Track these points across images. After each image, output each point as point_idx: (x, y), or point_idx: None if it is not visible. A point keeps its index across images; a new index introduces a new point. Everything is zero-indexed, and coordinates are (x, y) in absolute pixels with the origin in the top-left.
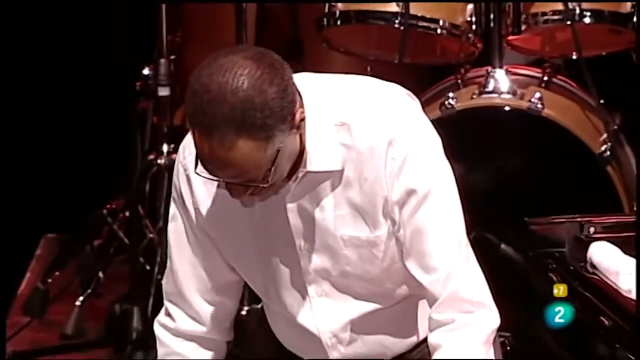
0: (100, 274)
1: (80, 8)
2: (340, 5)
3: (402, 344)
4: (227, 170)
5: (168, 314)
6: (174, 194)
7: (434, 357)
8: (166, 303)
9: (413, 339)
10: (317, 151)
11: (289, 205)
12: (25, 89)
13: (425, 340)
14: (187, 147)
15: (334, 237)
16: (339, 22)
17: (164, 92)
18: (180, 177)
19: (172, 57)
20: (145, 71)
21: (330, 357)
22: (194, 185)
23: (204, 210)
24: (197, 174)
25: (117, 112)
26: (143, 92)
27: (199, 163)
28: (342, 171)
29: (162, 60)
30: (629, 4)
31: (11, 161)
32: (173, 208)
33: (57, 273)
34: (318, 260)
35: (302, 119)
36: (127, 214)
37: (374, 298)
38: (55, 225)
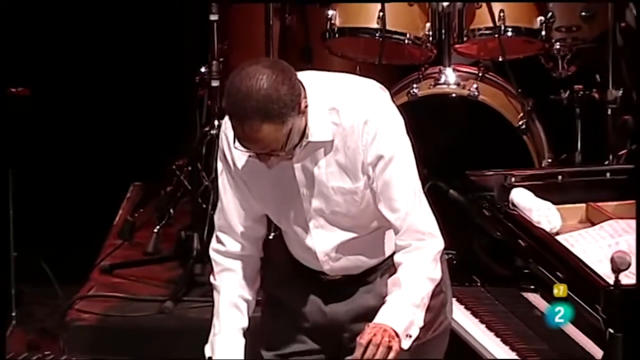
0: (171, 211)
1: (164, 28)
2: (337, 22)
3: (373, 261)
4: (256, 145)
5: (219, 241)
6: (220, 154)
7: (398, 271)
8: (218, 233)
9: (381, 257)
10: (315, 127)
11: (296, 165)
12: (126, 82)
13: (389, 257)
14: (227, 123)
15: (327, 187)
16: (336, 35)
17: (215, 83)
18: (223, 143)
19: (221, 59)
20: (203, 69)
21: (323, 268)
22: (232, 149)
23: (240, 166)
24: (236, 148)
25: (184, 97)
26: (201, 84)
27: (236, 140)
28: (332, 141)
29: (214, 62)
30: (538, 21)
31: (112, 131)
32: (220, 165)
33: (141, 210)
34: (315, 203)
35: (306, 106)
36: (190, 168)
37: (355, 229)
38: (140, 175)
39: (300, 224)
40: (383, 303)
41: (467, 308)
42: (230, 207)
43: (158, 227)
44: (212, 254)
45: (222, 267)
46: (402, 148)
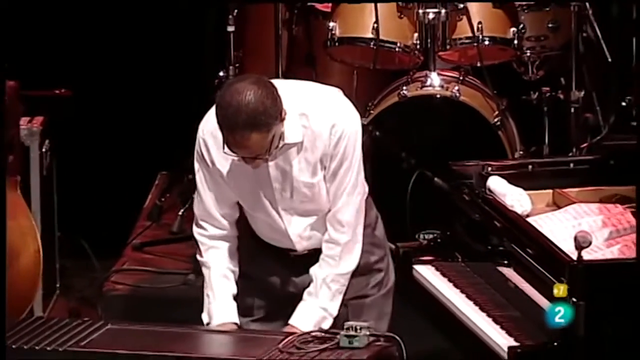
0: (193, 196)
1: (189, 38)
2: (337, 33)
3: None
4: (244, 150)
5: (201, 227)
6: (197, 156)
7: (313, 278)
8: (199, 221)
9: None
10: (288, 130)
11: (270, 163)
12: (155, 85)
13: None
14: (205, 127)
15: (297, 181)
16: (337, 44)
17: None
18: (201, 145)
19: (237, 65)
20: (221, 73)
21: (296, 247)
22: (211, 151)
23: (219, 166)
24: (225, 153)
25: (205, 98)
26: (219, 86)
27: (226, 147)
28: (302, 142)
29: (231, 67)
30: (511, 32)
31: (142, 128)
32: (197, 165)
33: (167, 195)
34: (286, 195)
35: (285, 114)
36: None
37: (317, 212)
38: (166, 166)
39: (274, 213)
40: None
41: (449, 280)
42: (208, 199)
43: (182, 210)
44: (196, 236)
45: (207, 246)
46: (356, 154)
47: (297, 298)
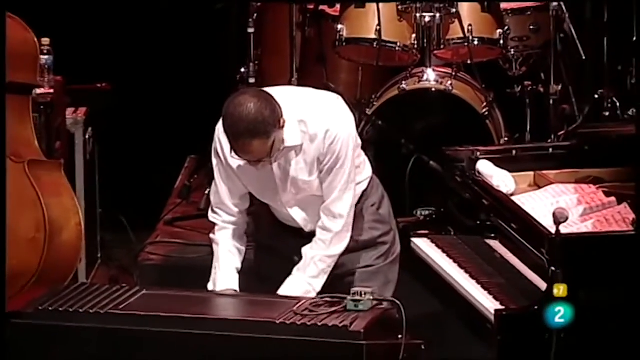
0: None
1: (214, 38)
2: (345, 34)
3: None
4: (248, 155)
5: (216, 213)
6: (214, 153)
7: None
8: (214, 207)
9: None
10: (288, 135)
11: (274, 164)
12: (185, 79)
13: None
14: (220, 128)
15: (296, 180)
16: (344, 44)
17: (252, 80)
18: (217, 143)
19: (256, 62)
20: (242, 69)
21: (305, 229)
22: (225, 149)
23: (231, 164)
24: (232, 157)
25: (228, 91)
26: (241, 81)
27: (233, 152)
28: (301, 145)
29: (251, 64)
30: (498, 33)
31: (174, 116)
32: (215, 160)
33: (195, 176)
34: (288, 190)
35: (285, 122)
36: None
37: (316, 199)
38: (195, 150)
39: (279, 204)
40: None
41: (443, 252)
42: (223, 190)
43: (208, 189)
44: (211, 219)
45: (220, 227)
46: (348, 155)
47: None
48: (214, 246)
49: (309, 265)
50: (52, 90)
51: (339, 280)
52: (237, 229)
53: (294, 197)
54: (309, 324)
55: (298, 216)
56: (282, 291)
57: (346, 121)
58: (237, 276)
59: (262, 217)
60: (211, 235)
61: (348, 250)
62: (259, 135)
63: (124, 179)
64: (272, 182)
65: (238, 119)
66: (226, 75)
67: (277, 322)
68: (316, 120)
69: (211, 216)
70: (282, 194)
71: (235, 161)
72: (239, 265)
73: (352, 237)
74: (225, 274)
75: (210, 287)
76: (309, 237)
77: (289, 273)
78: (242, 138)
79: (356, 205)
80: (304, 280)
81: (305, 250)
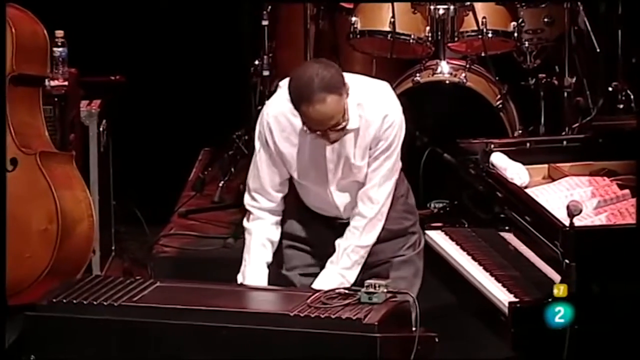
0: (232, 169)
1: (229, 31)
2: (359, 26)
3: None
4: (322, 116)
5: (254, 199)
6: (258, 135)
7: (339, 248)
8: (252, 193)
9: None
10: (349, 117)
11: (328, 147)
12: (200, 72)
13: None
14: (269, 111)
15: (350, 164)
16: (358, 36)
17: (266, 73)
18: (264, 127)
19: (270, 54)
20: (256, 62)
21: (343, 215)
22: (274, 133)
23: (280, 145)
24: (305, 132)
25: (243, 83)
26: (255, 73)
27: (304, 125)
28: (358, 129)
29: (265, 56)
30: (512, 25)
31: (188, 109)
32: (258, 144)
33: (209, 169)
34: (338, 174)
35: (348, 89)
36: (246, 137)
37: (359, 185)
38: (209, 143)
39: (325, 187)
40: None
41: (457, 244)
42: (265, 175)
43: (222, 182)
44: (247, 206)
45: (255, 216)
46: (398, 144)
47: None
48: (247, 235)
49: (342, 257)
50: (66, 83)
51: (369, 269)
52: (273, 219)
53: (340, 182)
54: (322, 316)
55: (340, 201)
56: (316, 284)
57: (400, 109)
58: (266, 271)
59: (291, 207)
60: (245, 224)
61: (380, 240)
62: (334, 90)
63: (138, 171)
64: (323, 166)
65: (309, 79)
66: (240, 69)
67: (291, 314)
68: (374, 105)
69: (248, 202)
70: (331, 179)
71: (284, 145)
72: (270, 259)
73: (384, 227)
74: (255, 268)
75: (239, 279)
76: (340, 228)
77: (318, 262)
78: (315, 95)
79: None
80: (337, 272)
81: (338, 242)
